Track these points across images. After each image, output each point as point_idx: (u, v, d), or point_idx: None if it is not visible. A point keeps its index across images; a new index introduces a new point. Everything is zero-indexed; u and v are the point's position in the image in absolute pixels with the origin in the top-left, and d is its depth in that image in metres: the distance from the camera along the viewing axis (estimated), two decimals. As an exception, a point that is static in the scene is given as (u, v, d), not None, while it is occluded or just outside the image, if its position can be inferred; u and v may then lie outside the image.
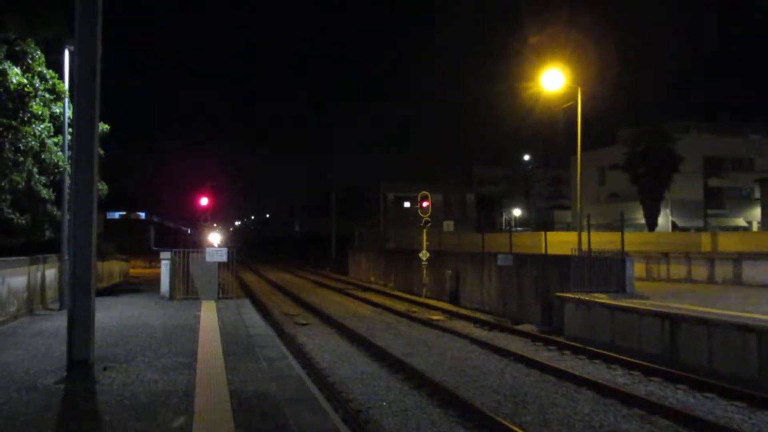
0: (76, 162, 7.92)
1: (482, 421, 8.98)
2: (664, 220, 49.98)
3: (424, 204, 29.37)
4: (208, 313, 15.19)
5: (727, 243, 25.45)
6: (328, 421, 6.20)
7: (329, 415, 6.46)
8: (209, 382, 7.82)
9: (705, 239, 26.24)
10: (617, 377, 12.12)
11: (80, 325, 7.82)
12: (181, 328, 12.60)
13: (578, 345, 14.84)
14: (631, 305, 14.60)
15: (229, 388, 7.47)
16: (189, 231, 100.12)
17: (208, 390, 7.42)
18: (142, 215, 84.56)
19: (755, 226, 53.08)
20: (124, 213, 74.50)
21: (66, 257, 15.87)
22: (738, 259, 21.29)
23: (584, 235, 20.88)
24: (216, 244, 45.30)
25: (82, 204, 7.90)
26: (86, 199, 7.89)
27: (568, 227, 61.17)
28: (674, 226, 52.22)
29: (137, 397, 7.07)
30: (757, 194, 51.54)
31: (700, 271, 22.47)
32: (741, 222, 55.47)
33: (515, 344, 15.77)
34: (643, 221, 47.38)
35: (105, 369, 8.47)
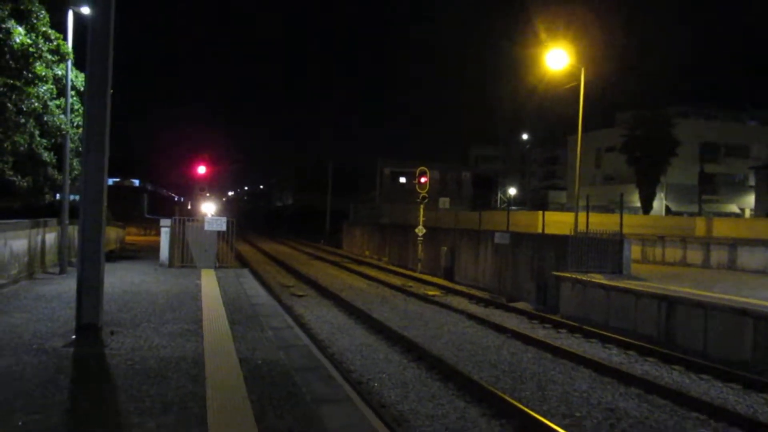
0: (88, 124, 7.83)
1: (482, 395, 9.10)
2: (658, 203, 50.22)
3: (422, 180, 29.30)
4: (209, 282, 15.23)
5: (722, 228, 25.64)
6: (341, 392, 6.27)
7: (341, 386, 6.52)
8: (217, 349, 7.87)
9: (700, 224, 26.42)
10: (613, 356, 12.30)
11: (89, 289, 7.84)
12: (183, 296, 12.63)
13: (573, 324, 15.02)
14: (628, 286, 14.77)
15: (238, 356, 7.53)
16: (182, 199, 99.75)
17: (217, 357, 7.47)
18: (136, 182, 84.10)
19: (748, 213, 53.44)
20: (117, 180, 73.97)
21: (66, 221, 15.82)
22: (733, 244, 21.50)
23: (581, 215, 20.99)
24: (210, 214, 45.15)
25: (93, 167, 7.85)
26: (97, 162, 7.84)
27: (561, 207, 61.29)
28: (668, 210, 52.51)
29: (147, 362, 7.11)
30: (752, 181, 51.80)
31: (696, 255, 22.70)
32: (734, 208, 55.81)
33: (511, 321, 15.95)
34: (637, 204, 47.63)
35: (112, 333, 8.50)
